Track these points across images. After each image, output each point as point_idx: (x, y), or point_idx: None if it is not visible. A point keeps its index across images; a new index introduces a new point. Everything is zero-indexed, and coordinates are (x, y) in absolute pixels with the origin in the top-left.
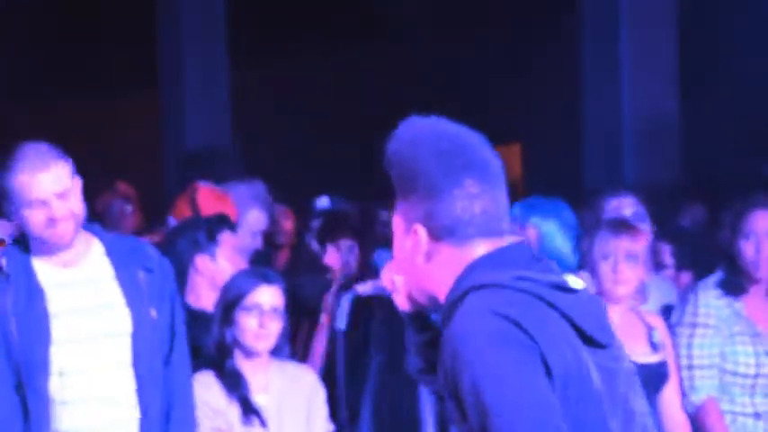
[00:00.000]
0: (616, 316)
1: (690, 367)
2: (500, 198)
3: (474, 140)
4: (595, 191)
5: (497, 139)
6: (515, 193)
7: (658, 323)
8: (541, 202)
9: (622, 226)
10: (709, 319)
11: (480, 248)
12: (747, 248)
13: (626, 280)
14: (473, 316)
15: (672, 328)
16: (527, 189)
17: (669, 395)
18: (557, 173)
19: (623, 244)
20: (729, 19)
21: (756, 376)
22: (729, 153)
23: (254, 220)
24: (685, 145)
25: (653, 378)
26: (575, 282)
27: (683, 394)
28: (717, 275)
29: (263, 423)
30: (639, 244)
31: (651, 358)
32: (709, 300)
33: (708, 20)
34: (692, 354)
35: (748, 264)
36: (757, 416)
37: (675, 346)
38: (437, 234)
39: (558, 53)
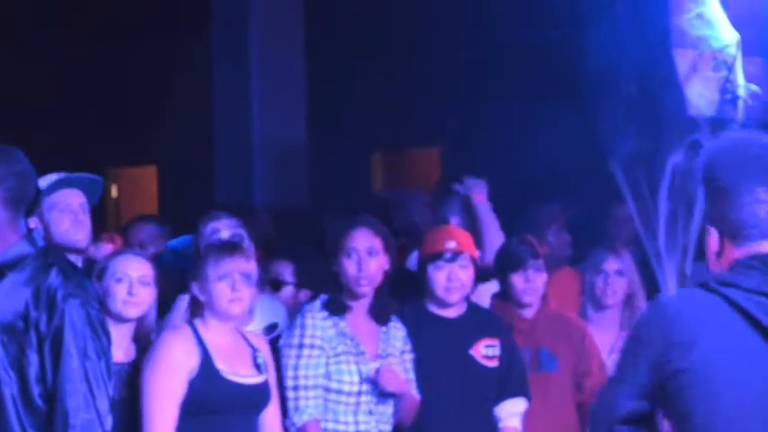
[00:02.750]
0: (227, 336)
1: (295, 388)
2: None
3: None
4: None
5: (136, 159)
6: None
7: (262, 345)
8: None
9: (234, 247)
10: (314, 339)
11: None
12: (350, 266)
13: (242, 298)
14: None
15: (281, 350)
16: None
17: (271, 415)
18: (191, 194)
19: (240, 264)
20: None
21: (359, 394)
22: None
23: None
24: (312, 170)
25: (256, 398)
26: None
27: (286, 415)
28: (323, 296)
29: None
30: (252, 264)
31: (256, 379)
32: (316, 321)
33: (335, 51)
34: (298, 375)
35: (350, 281)
36: None
37: (283, 367)
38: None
39: (192, 77)
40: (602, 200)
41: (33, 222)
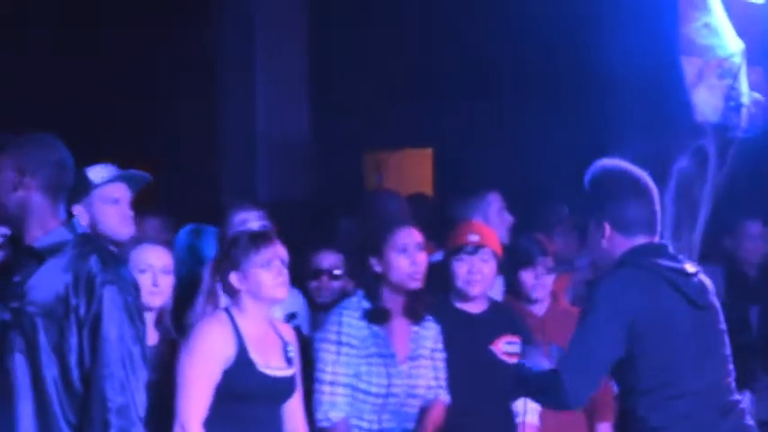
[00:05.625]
0: (261, 326)
1: (332, 383)
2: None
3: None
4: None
5: (135, 155)
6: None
7: (292, 337)
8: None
9: (270, 235)
10: (351, 339)
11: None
12: (403, 262)
13: (286, 283)
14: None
15: (316, 343)
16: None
17: (294, 405)
18: (193, 191)
19: (279, 251)
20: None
21: (387, 396)
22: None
23: None
24: (316, 165)
25: (284, 390)
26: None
27: (317, 408)
28: (361, 298)
29: None
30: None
31: (285, 372)
32: (352, 319)
33: (341, 48)
34: (336, 371)
35: (404, 277)
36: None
37: (318, 361)
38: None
39: (196, 76)
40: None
41: (78, 211)
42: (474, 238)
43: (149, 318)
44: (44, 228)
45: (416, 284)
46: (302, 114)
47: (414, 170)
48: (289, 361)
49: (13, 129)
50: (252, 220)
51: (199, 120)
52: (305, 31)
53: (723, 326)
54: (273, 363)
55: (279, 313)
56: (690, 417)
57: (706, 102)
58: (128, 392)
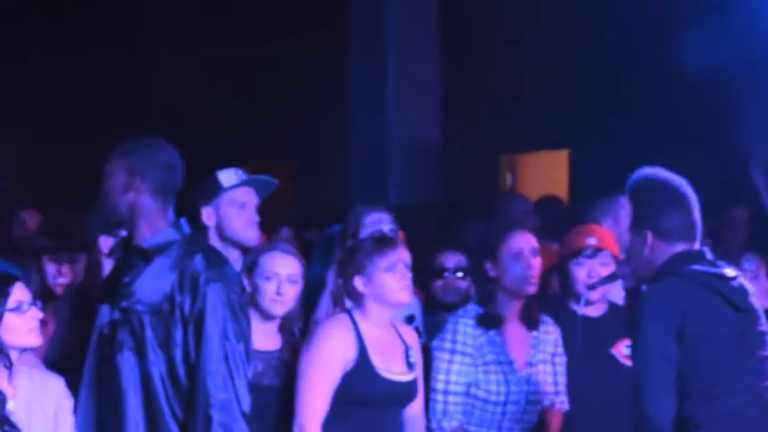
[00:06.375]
0: (383, 329)
1: (445, 392)
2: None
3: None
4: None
5: (269, 158)
6: (287, 211)
7: (414, 341)
8: None
9: (393, 239)
10: (466, 347)
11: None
12: (517, 267)
13: (409, 287)
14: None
15: (432, 351)
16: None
17: (416, 410)
18: (324, 193)
19: (403, 255)
20: (493, 52)
21: (506, 404)
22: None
23: None
24: (449, 168)
25: (405, 395)
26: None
27: (432, 417)
28: (475, 306)
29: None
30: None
31: (407, 377)
32: (467, 327)
33: (471, 51)
34: (450, 380)
35: (519, 281)
36: None
37: (434, 369)
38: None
39: (328, 79)
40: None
41: (207, 212)
42: (592, 241)
43: (272, 324)
44: (153, 228)
45: (531, 289)
46: (432, 116)
47: (549, 172)
48: (410, 366)
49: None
50: (384, 222)
51: (331, 124)
52: (437, 33)
53: (763, 328)
54: (395, 367)
55: (397, 316)
56: (732, 415)
57: None
58: (230, 389)
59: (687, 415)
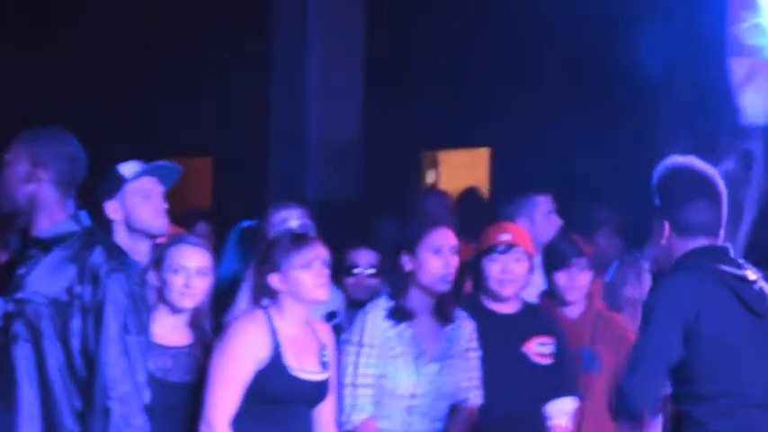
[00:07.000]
0: (299, 327)
1: (353, 386)
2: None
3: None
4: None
5: (189, 152)
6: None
7: (329, 340)
8: None
9: (310, 236)
10: (374, 339)
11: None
12: (436, 264)
13: (326, 284)
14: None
15: (341, 346)
16: (215, 200)
17: (326, 409)
18: (245, 186)
19: (321, 251)
20: (416, 49)
21: (414, 396)
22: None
23: None
24: (365, 166)
25: (317, 394)
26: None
27: (342, 411)
28: (387, 299)
29: None
30: (327, 250)
31: (320, 376)
32: (376, 320)
33: (394, 47)
34: (357, 373)
35: (435, 279)
36: None
37: (342, 364)
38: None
39: (251, 73)
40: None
41: (113, 207)
42: (506, 237)
43: (181, 318)
44: (52, 220)
45: (445, 287)
46: (354, 112)
47: (470, 170)
48: (324, 365)
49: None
50: (292, 218)
51: (253, 117)
52: (360, 29)
53: None
54: (308, 366)
55: (318, 312)
56: (755, 428)
57: (754, 103)
58: (130, 381)
59: (700, 420)
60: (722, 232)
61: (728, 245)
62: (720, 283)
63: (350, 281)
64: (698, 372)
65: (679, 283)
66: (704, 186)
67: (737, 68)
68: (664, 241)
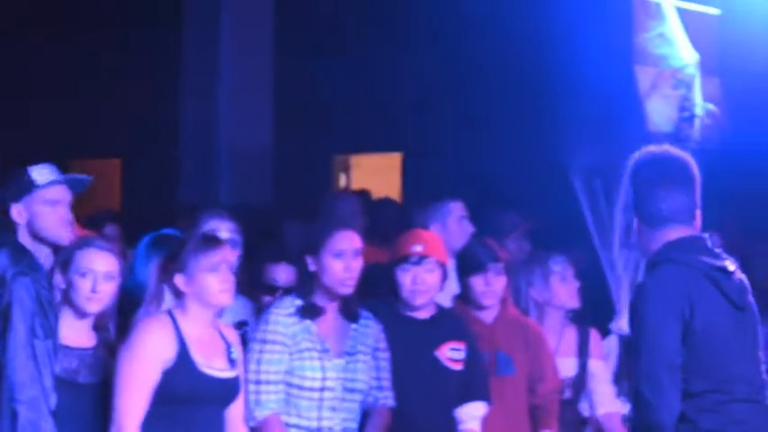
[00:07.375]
0: (204, 328)
1: (257, 382)
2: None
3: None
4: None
5: (99, 152)
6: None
7: (235, 340)
8: None
9: (219, 239)
10: (277, 335)
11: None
12: (337, 267)
13: (231, 289)
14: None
15: (246, 344)
16: (124, 204)
17: (237, 408)
18: (155, 188)
19: (227, 255)
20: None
21: (322, 390)
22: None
23: None
24: (277, 170)
25: (227, 392)
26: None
27: (246, 408)
28: (295, 297)
29: None
30: (234, 254)
31: (229, 373)
32: (279, 317)
33: (305, 52)
34: (260, 369)
35: (336, 282)
36: (323, 429)
37: (246, 361)
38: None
39: (162, 75)
40: (561, 210)
41: (17, 209)
42: (418, 248)
43: (87, 321)
44: None
45: (347, 291)
46: (266, 115)
47: (382, 175)
48: (232, 362)
49: None
50: (222, 230)
51: (164, 120)
52: (271, 34)
53: (759, 329)
54: (216, 363)
55: (229, 321)
56: (745, 422)
57: (659, 112)
58: (38, 385)
59: (692, 417)
60: (697, 221)
61: (705, 235)
62: (703, 276)
63: (267, 299)
64: (688, 368)
65: (665, 278)
66: (674, 173)
67: (643, 77)
68: (635, 237)
